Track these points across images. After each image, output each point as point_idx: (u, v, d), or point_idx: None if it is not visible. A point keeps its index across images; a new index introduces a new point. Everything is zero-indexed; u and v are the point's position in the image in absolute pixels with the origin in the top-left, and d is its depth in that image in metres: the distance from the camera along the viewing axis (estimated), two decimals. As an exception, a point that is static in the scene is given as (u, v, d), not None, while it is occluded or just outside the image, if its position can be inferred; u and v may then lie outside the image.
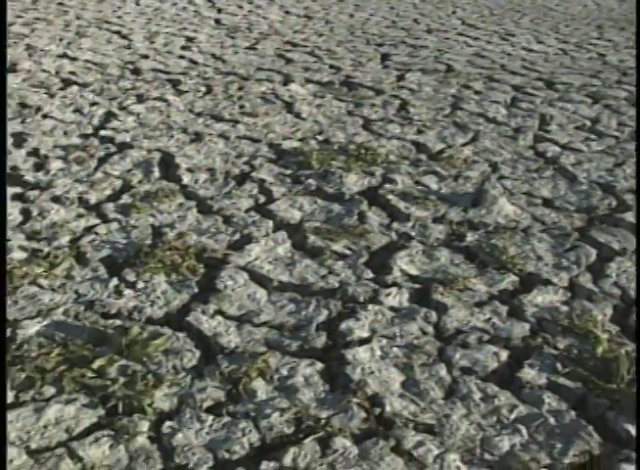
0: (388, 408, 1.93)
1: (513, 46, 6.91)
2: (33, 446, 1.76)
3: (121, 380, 1.98)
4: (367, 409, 1.93)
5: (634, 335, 2.30)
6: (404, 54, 6.39)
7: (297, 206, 3.18)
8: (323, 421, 1.88)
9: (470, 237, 2.95)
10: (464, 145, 4.10)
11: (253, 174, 3.52)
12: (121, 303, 2.39)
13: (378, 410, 1.93)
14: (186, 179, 3.45)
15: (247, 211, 3.13)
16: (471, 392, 2.02)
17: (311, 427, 1.86)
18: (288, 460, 1.73)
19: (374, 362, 2.13)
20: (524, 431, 1.87)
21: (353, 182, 3.45)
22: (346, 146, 3.96)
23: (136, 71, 5.46)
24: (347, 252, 2.79)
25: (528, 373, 2.10)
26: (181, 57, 5.96)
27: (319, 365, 2.11)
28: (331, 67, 5.78)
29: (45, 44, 6.16)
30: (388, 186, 3.42)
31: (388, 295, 2.50)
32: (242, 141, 4.00)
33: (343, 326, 2.30)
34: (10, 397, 1.93)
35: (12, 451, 1.72)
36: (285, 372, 2.07)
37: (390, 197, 3.30)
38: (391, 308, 2.43)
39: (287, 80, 5.28)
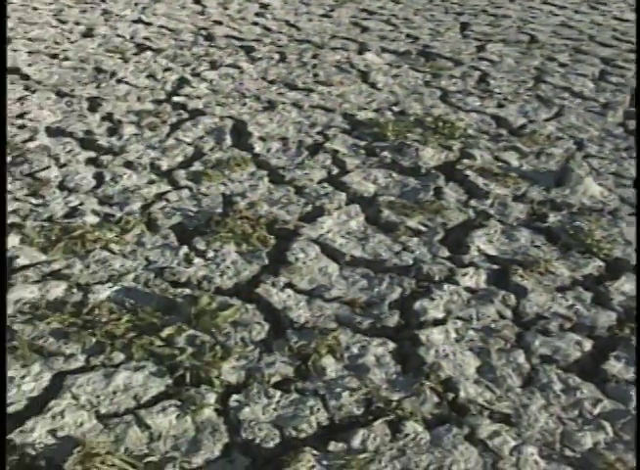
0: (462, 394, 1.84)
1: (603, 15, 6.47)
2: (103, 410, 1.76)
3: (189, 350, 1.96)
4: (440, 394, 1.85)
5: None
6: (485, 23, 6.10)
7: (372, 178, 3.08)
8: (394, 404, 1.81)
9: (552, 218, 2.79)
10: (547, 120, 3.88)
11: (327, 145, 3.43)
12: (191, 271, 2.37)
13: (451, 396, 1.84)
14: (258, 148, 3.40)
15: (319, 182, 3.05)
16: (551, 382, 1.90)
17: (382, 409, 1.79)
18: (356, 442, 1.67)
19: (448, 345, 2.04)
20: (608, 428, 1.75)
21: (430, 156, 3.31)
22: (423, 118, 3.81)
23: (209, 38, 5.43)
24: (422, 228, 2.69)
25: (614, 366, 1.97)
26: (255, 24, 5.88)
27: (391, 345, 2.03)
28: (408, 36, 5.57)
29: (120, 9, 6.20)
30: (466, 161, 3.27)
31: (465, 275, 2.39)
32: (315, 110, 3.91)
33: (417, 305, 2.21)
34: (80, 360, 1.95)
35: (82, 414, 1.73)
36: (355, 350, 2.00)
37: (469, 172, 3.15)
38: (468, 289, 2.32)
39: (362, 49, 5.13)
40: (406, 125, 3.67)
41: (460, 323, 2.13)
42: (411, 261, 2.45)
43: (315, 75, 4.54)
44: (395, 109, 3.96)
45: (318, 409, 1.78)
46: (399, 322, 2.14)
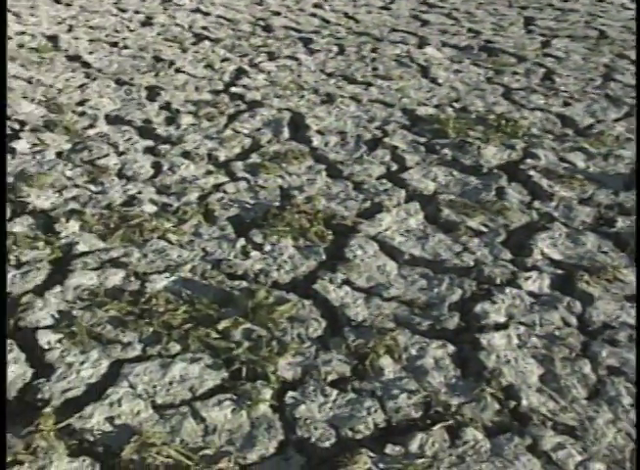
0: (524, 403, 1.77)
1: (678, 10, 6.18)
2: (159, 401, 1.77)
3: (246, 344, 1.95)
4: (501, 401, 1.78)
5: None
6: (550, 18, 5.91)
7: (432, 176, 3.01)
8: (453, 409, 1.75)
9: (621, 223, 2.67)
10: (616, 121, 3.72)
11: (386, 140, 3.37)
12: (248, 264, 2.36)
13: (513, 403, 1.77)
14: (316, 141, 3.37)
15: (378, 178, 3.00)
16: (619, 395, 1.81)
17: (440, 414, 1.74)
18: (414, 447, 1.63)
19: (510, 351, 1.96)
20: (683, 448, 1.65)
21: (492, 155, 3.22)
22: (485, 115, 3.71)
23: (267, 28, 5.42)
24: (484, 229, 2.61)
25: (687, 381, 1.86)
26: (313, 15, 5.84)
27: (451, 348, 1.97)
28: (469, 30, 5.44)
29: (179, -2, 6.26)
30: (529, 161, 3.16)
31: (528, 279, 2.30)
32: (374, 105, 3.86)
33: (478, 308, 2.15)
34: (137, 349, 1.95)
35: (139, 404, 1.74)
36: (414, 352, 1.95)
37: (532, 173, 3.05)
38: (531, 294, 2.24)
39: (422, 43, 5.04)
40: (467, 123, 3.57)
41: (522, 329, 2.05)
42: (472, 263, 2.38)
43: (374, 69, 4.48)
44: (456, 105, 3.87)
45: (375, 410, 1.74)
46: (459, 325, 2.08)
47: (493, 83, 4.28)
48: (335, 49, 4.90)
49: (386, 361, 1.91)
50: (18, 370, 1.88)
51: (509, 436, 1.67)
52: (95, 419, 1.69)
